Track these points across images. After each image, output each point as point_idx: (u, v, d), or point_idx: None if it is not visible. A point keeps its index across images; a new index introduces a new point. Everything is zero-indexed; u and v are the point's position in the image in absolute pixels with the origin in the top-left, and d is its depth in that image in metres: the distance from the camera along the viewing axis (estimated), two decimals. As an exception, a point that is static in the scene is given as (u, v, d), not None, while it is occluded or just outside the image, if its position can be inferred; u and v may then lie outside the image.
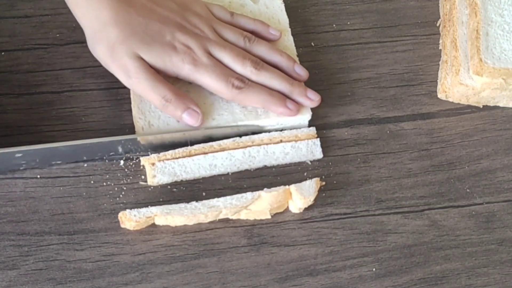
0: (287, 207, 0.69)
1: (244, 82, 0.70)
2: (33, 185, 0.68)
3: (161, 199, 0.68)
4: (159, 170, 0.69)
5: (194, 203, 0.66)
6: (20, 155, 0.67)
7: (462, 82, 0.74)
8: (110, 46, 0.69)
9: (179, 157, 0.69)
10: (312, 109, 0.74)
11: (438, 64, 0.79)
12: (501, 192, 0.72)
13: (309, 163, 0.71)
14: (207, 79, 0.70)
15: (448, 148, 0.74)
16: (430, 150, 0.73)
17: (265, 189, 0.67)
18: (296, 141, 0.71)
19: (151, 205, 0.66)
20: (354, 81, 0.77)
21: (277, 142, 0.71)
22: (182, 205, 0.66)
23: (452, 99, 0.76)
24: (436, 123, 0.75)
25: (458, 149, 0.74)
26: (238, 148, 0.70)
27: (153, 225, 0.67)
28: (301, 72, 0.73)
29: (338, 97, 0.76)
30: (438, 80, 0.78)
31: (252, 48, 0.73)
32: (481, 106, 0.77)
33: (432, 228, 0.69)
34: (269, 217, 0.68)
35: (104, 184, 0.69)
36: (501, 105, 0.77)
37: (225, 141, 0.70)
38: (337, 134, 0.74)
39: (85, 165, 0.70)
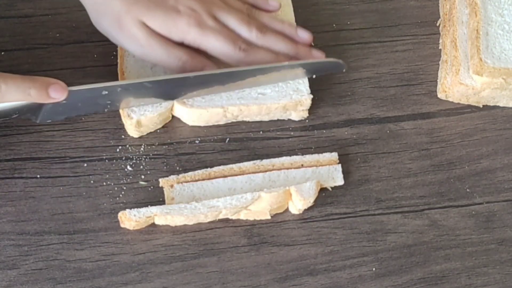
0: (287, 208, 0.69)
1: (250, 45, 0.70)
2: (33, 185, 0.68)
3: (160, 199, 0.68)
4: (178, 192, 0.68)
5: (194, 203, 0.66)
6: (106, 92, 0.67)
7: (462, 81, 0.74)
8: (116, 18, 0.68)
9: (198, 180, 0.69)
10: (312, 109, 0.74)
11: (438, 64, 0.79)
12: (501, 191, 0.72)
13: (330, 189, 0.70)
14: (214, 42, 0.69)
15: (448, 148, 0.74)
16: (430, 150, 0.73)
17: (265, 189, 0.67)
18: (317, 166, 0.70)
19: (151, 205, 0.66)
20: (354, 81, 0.77)
21: (298, 167, 0.70)
22: (182, 205, 0.66)
23: (452, 99, 0.76)
24: (436, 122, 0.75)
25: (458, 149, 0.74)
26: (258, 172, 0.69)
27: (153, 225, 0.67)
28: (304, 35, 0.74)
29: (338, 97, 0.76)
30: (438, 80, 0.78)
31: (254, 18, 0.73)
32: (481, 106, 0.77)
33: (432, 228, 0.69)
34: (269, 217, 0.68)
35: (104, 184, 0.69)
36: (501, 104, 0.77)
37: (245, 164, 0.70)
38: (337, 134, 0.74)
39: (85, 165, 0.70)
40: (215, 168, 0.69)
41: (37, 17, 0.78)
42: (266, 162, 0.70)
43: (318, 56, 0.73)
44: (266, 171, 0.69)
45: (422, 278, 0.67)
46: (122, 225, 0.66)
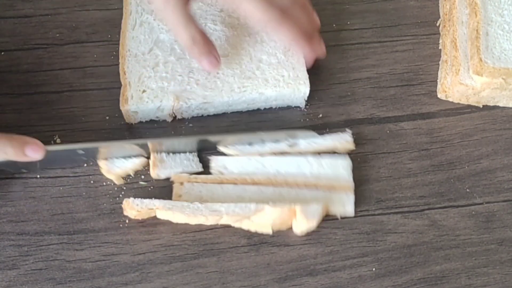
0: (291, 226, 0.68)
1: (281, 12, 0.71)
2: (33, 185, 0.68)
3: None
4: (186, 190, 0.68)
5: (197, 203, 0.66)
6: (82, 152, 0.68)
7: (462, 82, 0.74)
8: None
9: (209, 182, 0.69)
10: (312, 109, 0.74)
11: (438, 64, 0.79)
12: (501, 192, 0.72)
13: (339, 218, 0.69)
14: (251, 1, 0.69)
15: (448, 148, 0.74)
16: (430, 150, 0.73)
17: (270, 202, 0.67)
18: (330, 190, 0.69)
19: (143, 199, 0.67)
20: (354, 81, 0.77)
21: (311, 187, 0.69)
22: (185, 203, 0.66)
23: (452, 99, 0.76)
24: (436, 123, 0.75)
25: (458, 149, 0.74)
26: (270, 185, 0.69)
27: (153, 224, 0.67)
28: (317, 19, 0.76)
29: (338, 97, 0.76)
30: (438, 80, 0.78)
31: None
32: (481, 106, 0.77)
33: (432, 228, 0.69)
34: (271, 232, 0.67)
35: (104, 184, 0.69)
36: (501, 105, 0.77)
37: (258, 176, 0.69)
38: (337, 134, 0.74)
39: (85, 165, 0.70)
40: (227, 175, 0.69)
41: (37, 17, 0.78)
42: (280, 177, 0.69)
43: (323, 49, 0.75)
44: (278, 185, 0.69)
45: (422, 278, 0.67)
46: (124, 213, 0.66)
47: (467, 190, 0.71)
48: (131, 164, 0.69)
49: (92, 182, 0.69)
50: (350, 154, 0.72)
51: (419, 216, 0.70)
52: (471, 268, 0.68)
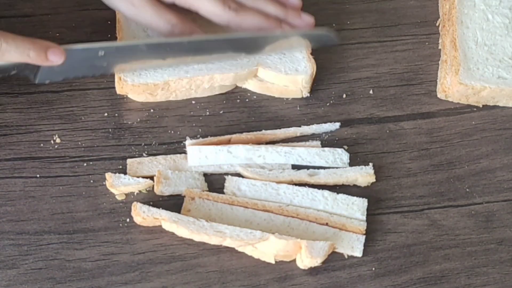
0: (294, 259, 0.66)
1: (240, 5, 0.71)
2: (32, 184, 0.68)
3: (160, 199, 0.68)
4: (196, 206, 0.67)
5: (203, 221, 0.65)
6: (102, 53, 0.68)
7: (461, 81, 0.74)
8: None
9: (221, 202, 0.68)
10: (312, 109, 0.74)
11: (438, 64, 0.79)
12: (501, 191, 0.72)
13: (346, 256, 0.67)
14: (204, 2, 0.70)
15: (448, 148, 0.74)
16: (430, 150, 0.73)
17: (276, 233, 0.65)
18: (341, 229, 0.67)
19: (150, 206, 0.66)
20: (354, 81, 0.77)
21: (322, 224, 0.67)
22: (191, 219, 0.65)
23: (452, 99, 0.76)
24: (435, 122, 0.75)
25: (458, 149, 0.74)
26: (280, 214, 0.67)
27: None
28: None
29: (338, 96, 0.76)
30: (437, 80, 0.78)
31: None
32: (481, 106, 0.77)
33: (431, 228, 0.69)
34: (273, 262, 0.66)
35: (104, 183, 0.69)
36: (500, 104, 0.77)
37: (270, 203, 0.68)
38: (337, 133, 0.74)
39: (85, 164, 0.70)
40: (239, 198, 0.68)
41: (37, 17, 0.78)
42: (292, 208, 0.68)
43: (307, 20, 0.74)
44: (288, 216, 0.67)
45: (422, 278, 0.67)
46: (132, 214, 0.66)
47: (467, 189, 0.71)
48: (136, 183, 0.68)
49: (92, 181, 0.69)
50: (350, 154, 0.72)
51: (419, 215, 0.70)
52: (470, 268, 0.68)
